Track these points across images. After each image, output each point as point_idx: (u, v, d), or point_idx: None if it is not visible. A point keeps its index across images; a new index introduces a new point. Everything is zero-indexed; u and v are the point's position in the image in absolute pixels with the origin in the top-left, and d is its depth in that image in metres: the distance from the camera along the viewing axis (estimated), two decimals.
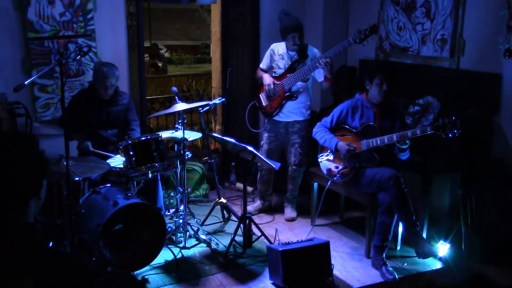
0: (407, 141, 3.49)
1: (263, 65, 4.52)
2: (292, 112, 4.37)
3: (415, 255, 3.62)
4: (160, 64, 11.23)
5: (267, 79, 4.37)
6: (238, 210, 4.46)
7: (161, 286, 3.37)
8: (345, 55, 5.42)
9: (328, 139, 3.86)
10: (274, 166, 3.69)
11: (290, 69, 4.29)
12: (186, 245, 3.87)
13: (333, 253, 3.55)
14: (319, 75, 4.30)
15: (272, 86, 4.32)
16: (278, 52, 4.39)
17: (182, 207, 3.96)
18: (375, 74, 3.71)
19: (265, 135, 4.52)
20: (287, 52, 4.33)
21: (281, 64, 4.36)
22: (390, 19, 4.89)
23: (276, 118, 4.44)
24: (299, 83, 4.28)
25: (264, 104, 4.46)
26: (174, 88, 4.15)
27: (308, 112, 4.44)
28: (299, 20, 4.30)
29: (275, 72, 4.40)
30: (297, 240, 3.58)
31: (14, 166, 1.31)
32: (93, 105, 4.03)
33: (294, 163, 4.44)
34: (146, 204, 3.46)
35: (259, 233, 3.93)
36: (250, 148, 3.69)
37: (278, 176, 4.71)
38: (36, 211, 1.39)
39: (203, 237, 3.98)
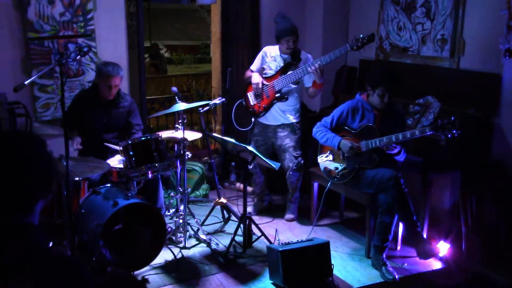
0: (396, 146, 3.51)
1: (253, 67, 4.48)
2: (280, 115, 4.35)
3: (415, 255, 3.63)
4: (159, 65, 11.24)
5: (256, 77, 4.34)
6: (238, 210, 4.46)
7: (161, 286, 3.37)
8: (345, 55, 5.42)
9: (330, 138, 3.85)
10: (274, 166, 3.69)
11: (282, 71, 4.26)
12: (186, 245, 3.87)
13: (333, 253, 3.55)
14: (308, 80, 4.27)
15: (260, 85, 4.30)
16: (270, 54, 4.37)
17: (182, 207, 3.96)
18: (378, 84, 3.67)
19: (253, 139, 4.50)
20: (280, 55, 4.31)
21: (273, 66, 4.34)
22: (390, 19, 4.89)
23: (265, 121, 4.42)
24: (290, 85, 4.26)
25: (252, 103, 4.43)
26: (174, 88, 4.15)
27: (297, 114, 4.40)
28: (294, 24, 4.26)
29: (265, 74, 4.37)
30: (297, 240, 3.58)
31: (31, 166, 1.30)
32: (94, 107, 4.02)
33: (292, 168, 4.40)
34: (146, 204, 3.46)
35: (259, 233, 3.93)
36: (250, 148, 3.69)
37: (277, 177, 4.71)
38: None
39: (203, 237, 3.98)
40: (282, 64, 4.29)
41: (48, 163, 1.36)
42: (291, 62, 4.26)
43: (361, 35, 3.91)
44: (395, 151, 3.56)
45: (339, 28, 5.41)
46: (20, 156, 1.29)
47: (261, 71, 4.42)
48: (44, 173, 1.34)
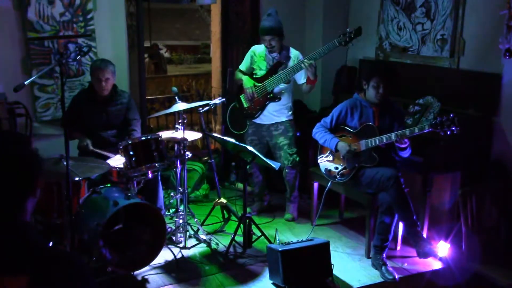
0: (406, 140, 3.49)
1: (242, 66, 4.45)
2: (274, 114, 4.34)
3: (415, 255, 3.62)
4: (159, 65, 11.25)
5: (247, 82, 4.31)
6: (238, 210, 4.46)
7: (161, 286, 3.37)
8: (345, 55, 5.42)
9: (328, 139, 3.85)
10: (275, 166, 3.69)
11: (272, 70, 4.24)
12: (186, 245, 3.87)
13: (333, 253, 3.55)
14: (300, 77, 4.26)
15: (252, 89, 4.27)
16: (259, 53, 4.34)
17: (182, 207, 3.96)
18: (372, 76, 3.69)
19: (248, 138, 4.49)
20: (269, 54, 4.29)
21: (263, 66, 4.31)
22: (390, 19, 4.89)
23: (259, 120, 4.41)
24: (282, 85, 4.25)
25: (245, 105, 4.41)
26: (174, 88, 4.15)
27: (290, 112, 4.40)
28: (277, 23, 4.16)
29: (255, 74, 4.35)
30: (297, 240, 3.58)
31: (12, 166, 1.32)
32: (93, 105, 4.04)
33: (287, 166, 4.40)
34: (146, 204, 3.46)
35: (259, 233, 3.93)
36: (250, 148, 3.69)
37: (276, 176, 4.70)
38: (32, 210, 1.40)
39: (203, 237, 3.98)
40: (271, 63, 4.28)
41: (34, 161, 1.38)
42: (281, 61, 4.24)
43: (348, 29, 3.90)
44: (405, 145, 3.54)
45: (339, 29, 5.35)
46: (9, 156, 1.31)
47: (250, 70, 4.40)
48: (31, 171, 1.36)
